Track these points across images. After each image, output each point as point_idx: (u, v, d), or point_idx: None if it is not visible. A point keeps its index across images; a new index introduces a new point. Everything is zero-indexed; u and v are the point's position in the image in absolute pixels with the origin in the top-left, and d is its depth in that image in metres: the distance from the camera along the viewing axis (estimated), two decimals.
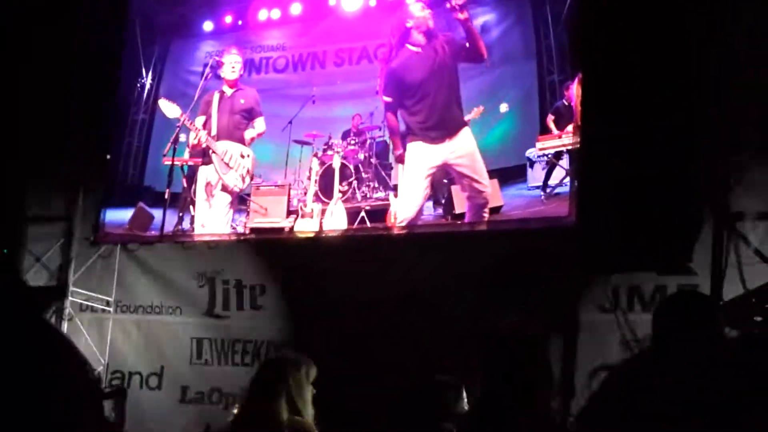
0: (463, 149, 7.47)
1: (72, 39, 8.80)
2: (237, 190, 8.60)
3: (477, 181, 7.44)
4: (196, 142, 8.50)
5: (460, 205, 7.96)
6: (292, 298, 8.14)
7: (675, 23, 6.60)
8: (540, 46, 9.22)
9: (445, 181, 8.08)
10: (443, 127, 7.44)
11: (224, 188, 8.55)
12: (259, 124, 8.83)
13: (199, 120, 8.61)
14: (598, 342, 6.48)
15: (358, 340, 7.25)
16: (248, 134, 8.73)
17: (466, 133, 7.55)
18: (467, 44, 7.37)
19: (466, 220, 7.84)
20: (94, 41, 8.92)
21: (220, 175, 8.46)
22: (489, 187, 7.60)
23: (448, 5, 7.30)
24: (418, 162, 7.45)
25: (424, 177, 7.48)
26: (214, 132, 8.58)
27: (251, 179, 8.78)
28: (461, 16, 7.23)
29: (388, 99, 7.61)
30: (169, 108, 8.54)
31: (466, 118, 7.83)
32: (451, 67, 7.55)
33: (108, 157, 9.16)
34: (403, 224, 7.68)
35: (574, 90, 7.76)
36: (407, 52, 7.39)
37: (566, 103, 8.46)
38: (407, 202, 7.60)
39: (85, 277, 8.72)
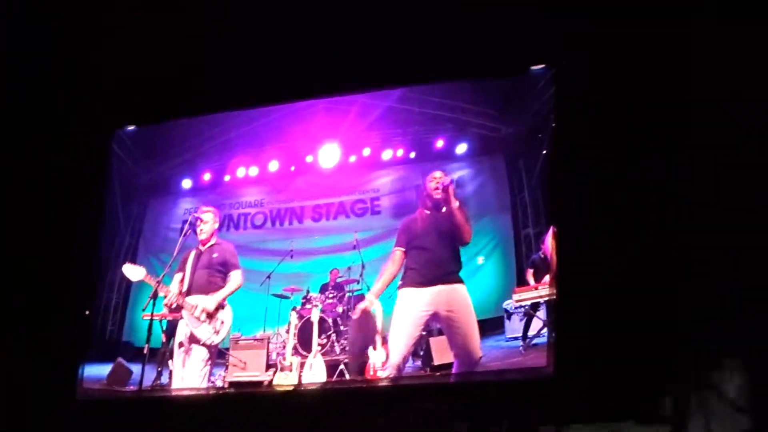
0: (456, 303, 7.37)
1: (54, 198, 9.24)
2: (210, 343, 8.59)
3: (468, 339, 7.39)
4: (166, 302, 8.56)
5: (439, 356, 8.11)
6: None
7: (647, 172, 7.03)
8: (515, 199, 9.75)
9: (424, 333, 7.89)
10: (439, 271, 7.38)
11: (196, 341, 8.57)
12: (234, 278, 8.86)
13: (177, 277, 8.75)
14: None
15: None
16: (223, 290, 8.76)
17: (460, 288, 7.44)
18: (451, 226, 7.54)
19: (454, 371, 7.68)
20: (75, 200, 9.36)
21: (192, 330, 8.51)
22: (479, 348, 7.53)
23: (432, 183, 7.59)
24: (410, 308, 7.38)
25: (414, 324, 7.42)
26: (185, 288, 8.68)
27: (228, 332, 8.84)
28: (442, 195, 7.51)
29: (400, 249, 7.64)
30: (133, 271, 8.66)
31: None
32: (453, 230, 7.53)
33: (87, 312, 9.24)
34: (389, 372, 7.72)
35: (549, 242, 7.98)
36: (421, 213, 7.60)
37: (542, 256, 8.68)
38: (395, 350, 7.53)
39: None
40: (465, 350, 7.30)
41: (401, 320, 7.43)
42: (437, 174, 7.74)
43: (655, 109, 7.20)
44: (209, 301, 8.59)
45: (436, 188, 7.50)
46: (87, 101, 9.51)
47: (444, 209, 7.53)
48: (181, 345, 8.60)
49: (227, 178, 11.46)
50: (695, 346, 6.46)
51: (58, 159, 9.45)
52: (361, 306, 7.93)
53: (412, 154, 10.83)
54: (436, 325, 7.78)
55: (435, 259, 7.44)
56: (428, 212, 7.61)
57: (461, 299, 7.31)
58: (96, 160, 9.70)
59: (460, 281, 7.38)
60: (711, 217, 6.61)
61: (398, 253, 7.59)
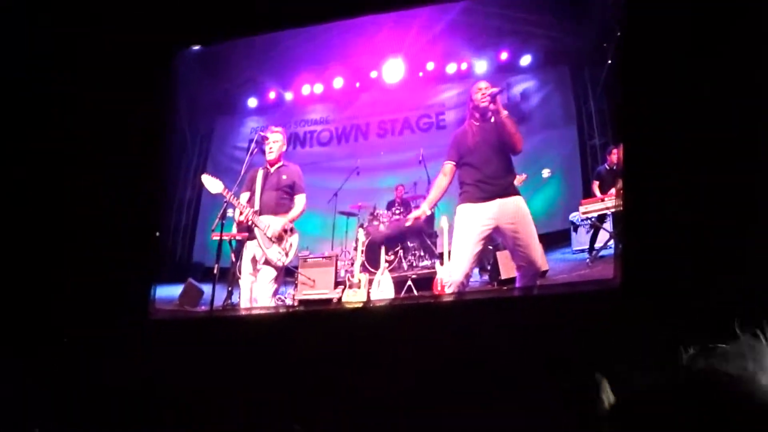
0: (516, 215, 7.44)
1: (122, 119, 9.30)
2: (280, 264, 8.71)
3: (530, 250, 7.48)
4: (242, 218, 8.69)
5: (506, 270, 8.12)
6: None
7: (723, 83, 6.71)
8: (580, 111, 9.76)
9: (490, 247, 8.23)
10: (495, 185, 7.46)
11: (267, 262, 8.70)
12: (299, 202, 9.00)
13: (244, 196, 8.84)
14: None
15: (417, 406, 7.10)
16: (291, 213, 8.92)
17: (519, 200, 7.52)
18: (500, 137, 7.63)
19: (517, 284, 7.84)
20: (142, 121, 9.40)
21: (264, 250, 8.64)
22: (541, 257, 7.67)
23: (479, 95, 7.68)
24: (469, 223, 7.46)
25: (475, 240, 7.49)
26: (257, 207, 8.79)
27: (295, 253, 8.97)
28: (491, 106, 7.58)
29: (450, 162, 7.77)
30: (212, 183, 8.73)
31: None
32: (504, 142, 7.63)
33: (157, 234, 9.44)
34: (452, 289, 7.72)
35: (617, 154, 7.96)
36: (470, 125, 7.64)
37: (608, 167, 8.92)
38: (457, 267, 7.64)
39: None
40: (528, 261, 7.39)
41: (462, 236, 7.54)
42: (482, 84, 7.79)
43: (731, 19, 6.93)
44: (279, 223, 8.74)
45: (483, 98, 7.54)
46: (152, 22, 9.46)
47: (492, 119, 7.58)
48: (250, 265, 8.78)
49: (292, 95, 11.58)
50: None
51: (124, 79, 9.48)
52: (412, 215, 8.17)
53: (477, 68, 10.74)
54: (500, 239, 7.82)
55: (489, 172, 7.49)
56: (477, 124, 7.65)
57: (521, 211, 7.38)
58: (162, 79, 9.78)
59: (518, 193, 7.47)
60: None
61: (449, 166, 7.70)
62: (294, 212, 8.91)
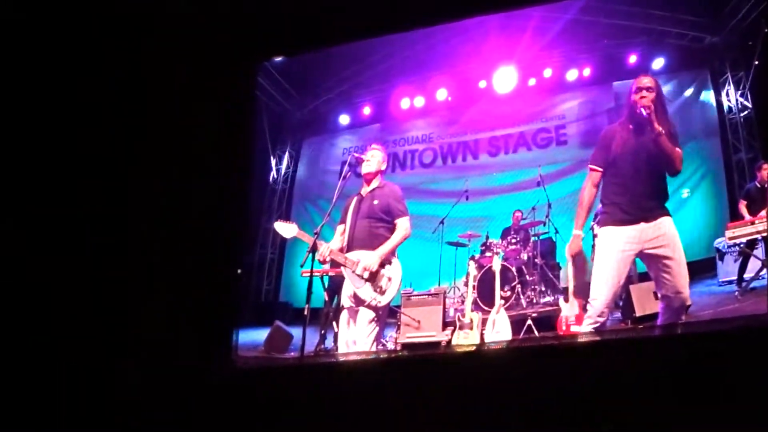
0: (665, 237, 6.44)
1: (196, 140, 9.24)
2: (375, 304, 7.69)
3: (678, 279, 6.40)
4: (320, 258, 7.84)
5: (641, 306, 7.89)
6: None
7: None
8: (723, 120, 9.56)
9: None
10: (640, 209, 6.45)
11: (360, 303, 7.83)
12: (401, 226, 7.82)
13: (339, 229, 8.00)
14: None
15: None
16: (388, 243, 7.78)
17: (668, 221, 6.51)
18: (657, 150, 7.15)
19: (659, 322, 6.92)
20: (219, 142, 9.36)
21: (354, 289, 7.80)
22: (687, 287, 7.27)
23: (638, 96, 7.17)
24: (611, 248, 6.60)
25: (616, 267, 6.54)
26: (345, 242, 7.94)
27: (397, 289, 8.04)
28: (643, 114, 7.07)
29: (597, 169, 7.32)
30: (284, 228, 7.94)
31: None
32: (660, 156, 7.32)
33: (239, 271, 9.54)
34: (589, 325, 7.15)
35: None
36: (624, 126, 7.22)
37: (759, 185, 8.52)
38: (598, 298, 6.61)
39: None
40: (675, 291, 6.43)
41: (602, 263, 6.68)
42: (645, 81, 6.54)
43: None
44: (372, 257, 7.79)
45: (642, 100, 6.33)
46: (229, 29, 8.51)
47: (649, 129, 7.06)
48: (345, 305, 8.04)
49: (389, 110, 11.44)
50: None
51: (199, 96, 8.55)
52: (573, 245, 7.59)
53: (601, 73, 10.60)
54: (636, 271, 7.53)
55: (638, 191, 6.52)
56: (631, 127, 6.60)
57: (669, 233, 6.42)
58: (241, 96, 9.02)
59: (667, 213, 6.52)
60: None
61: (596, 174, 6.73)
62: (394, 239, 7.83)
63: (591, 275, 7.05)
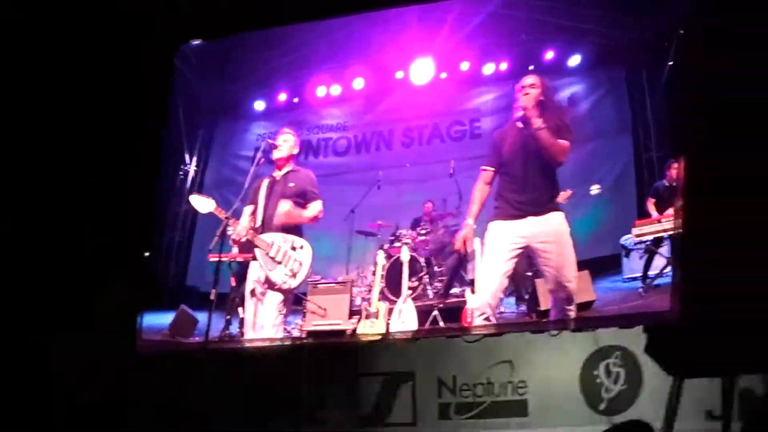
0: (550, 233, 6.95)
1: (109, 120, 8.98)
2: (286, 287, 8.18)
3: (561, 272, 6.95)
4: (236, 237, 8.26)
5: (546, 301, 7.88)
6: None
7: None
8: (636, 118, 9.80)
9: (529, 273, 8.29)
10: (530, 203, 7.01)
11: (272, 286, 8.21)
12: (314, 208, 8.38)
13: (247, 210, 8.39)
14: None
15: None
16: (299, 217, 8.34)
17: (556, 216, 7.04)
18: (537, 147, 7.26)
19: (551, 317, 7.52)
20: (131, 123, 9.07)
21: (266, 272, 8.14)
22: (574, 280, 7.14)
23: (520, 94, 7.41)
24: (499, 242, 7.03)
25: (504, 259, 6.99)
26: (259, 223, 8.36)
27: (307, 274, 8.44)
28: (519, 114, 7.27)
29: (488, 169, 7.29)
30: (201, 203, 8.39)
31: None
32: (541, 150, 7.38)
33: (146, 254, 9.19)
34: (479, 315, 7.24)
35: (677, 168, 7.75)
36: (512, 126, 7.43)
37: (667, 184, 8.78)
38: (485, 290, 7.15)
39: None
40: (557, 285, 6.96)
41: (491, 256, 7.11)
42: (527, 80, 7.25)
43: None
44: (288, 239, 8.28)
45: (523, 98, 7.05)
46: (146, 13, 9.20)
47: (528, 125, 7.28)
48: (253, 290, 8.29)
49: (305, 98, 11.54)
50: None
51: (115, 77, 9.16)
52: (461, 234, 7.38)
53: (518, 68, 10.72)
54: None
55: (527, 187, 7.08)
56: (520, 126, 7.15)
57: (556, 228, 6.93)
58: (157, 78, 9.51)
59: (556, 209, 7.04)
60: None
61: (488, 173, 7.28)
62: (305, 217, 8.35)
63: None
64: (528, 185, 7.05)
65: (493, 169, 7.22)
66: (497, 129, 7.91)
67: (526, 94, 7.03)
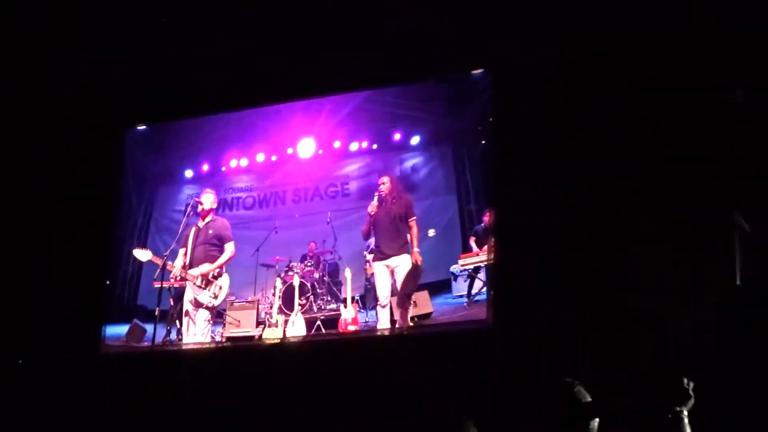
0: (400, 266, 9.71)
1: (79, 188, 10.77)
2: (211, 306, 10.05)
3: (403, 285, 9.58)
4: (172, 277, 9.84)
5: (396, 312, 9.60)
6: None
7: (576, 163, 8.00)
8: (459, 182, 11.24)
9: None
10: (391, 249, 9.66)
11: (200, 305, 10.01)
12: (229, 248, 10.32)
13: (181, 252, 10.20)
14: None
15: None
16: (219, 260, 10.26)
17: (404, 258, 9.70)
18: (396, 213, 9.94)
19: (398, 324, 9.47)
20: (96, 190, 10.84)
21: (195, 295, 9.98)
22: (411, 295, 9.68)
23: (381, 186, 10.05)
24: (380, 274, 9.84)
25: (386, 283, 9.78)
26: (188, 261, 10.11)
27: (226, 295, 10.32)
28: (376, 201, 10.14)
29: (366, 227, 9.94)
30: (141, 254, 10.01)
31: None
32: (399, 215, 9.75)
33: (107, 282, 10.84)
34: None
35: (489, 216, 9.28)
36: (377, 208, 9.81)
37: (484, 227, 9.98)
38: (385, 301, 9.77)
39: None
40: (400, 300, 9.53)
41: (376, 281, 9.81)
42: (383, 179, 10.06)
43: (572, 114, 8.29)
44: (206, 270, 10.00)
45: (380, 186, 9.93)
46: (102, 102, 10.86)
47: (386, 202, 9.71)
48: (187, 309, 10.06)
49: (221, 168, 12.77)
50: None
51: (81, 154, 10.85)
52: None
53: (375, 146, 12.47)
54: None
55: (386, 239, 9.86)
56: (377, 203, 9.85)
57: (403, 263, 9.65)
58: (111, 155, 11.13)
59: (406, 251, 9.56)
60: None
61: (365, 228, 10.08)
62: (224, 257, 10.19)
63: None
64: (390, 242, 9.92)
65: (368, 227, 9.88)
66: (371, 214, 10.08)
67: (383, 183, 9.84)
